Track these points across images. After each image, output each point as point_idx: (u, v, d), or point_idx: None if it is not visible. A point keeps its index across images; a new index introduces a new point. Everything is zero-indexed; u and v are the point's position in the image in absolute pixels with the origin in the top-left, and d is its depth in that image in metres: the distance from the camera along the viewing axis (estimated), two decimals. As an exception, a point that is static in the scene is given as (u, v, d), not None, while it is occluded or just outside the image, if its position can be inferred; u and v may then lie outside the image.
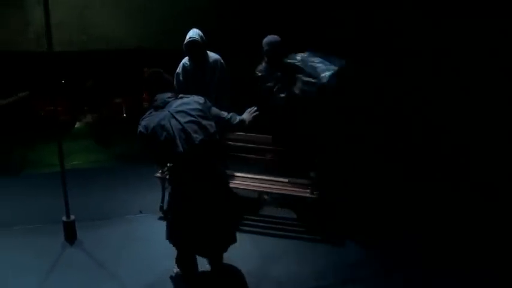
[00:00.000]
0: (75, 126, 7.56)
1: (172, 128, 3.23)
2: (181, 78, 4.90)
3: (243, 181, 4.94)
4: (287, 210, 5.05)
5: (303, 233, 4.69)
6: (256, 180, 4.96)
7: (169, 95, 3.42)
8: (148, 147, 3.37)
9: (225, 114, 3.64)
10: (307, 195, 4.68)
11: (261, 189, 4.85)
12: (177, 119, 3.25)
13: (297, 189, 4.78)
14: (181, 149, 3.20)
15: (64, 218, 4.36)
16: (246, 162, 5.03)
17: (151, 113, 3.36)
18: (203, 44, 4.70)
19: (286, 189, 4.82)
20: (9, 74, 7.25)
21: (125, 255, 4.29)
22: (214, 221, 3.52)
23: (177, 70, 4.97)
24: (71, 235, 4.40)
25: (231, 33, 7.95)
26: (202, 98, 3.47)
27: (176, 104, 3.35)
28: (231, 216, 3.75)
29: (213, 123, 3.37)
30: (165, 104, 3.35)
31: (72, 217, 4.38)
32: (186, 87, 4.70)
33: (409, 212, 5.01)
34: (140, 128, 3.30)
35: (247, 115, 3.85)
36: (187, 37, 4.66)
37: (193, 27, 4.75)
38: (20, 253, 4.24)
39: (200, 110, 3.34)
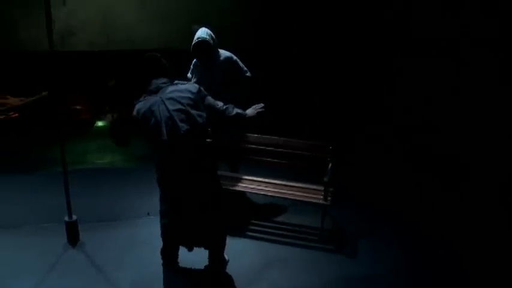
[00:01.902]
0: (96, 125, 7.53)
1: (160, 114, 3.18)
2: (189, 74, 4.82)
3: (253, 185, 4.73)
4: (297, 216, 4.84)
5: (313, 241, 4.47)
6: (266, 184, 4.74)
7: (164, 80, 3.35)
8: (140, 132, 3.34)
9: (220, 104, 3.57)
10: (320, 201, 4.42)
11: (272, 194, 4.62)
12: (166, 106, 3.20)
13: (309, 195, 4.53)
14: (165, 136, 3.17)
15: (66, 218, 4.26)
16: (256, 165, 4.81)
17: (145, 97, 3.31)
18: (213, 43, 4.54)
19: (297, 195, 4.57)
20: (33, 73, 7.31)
21: (126, 259, 4.15)
22: (198, 212, 3.47)
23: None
24: (73, 236, 4.29)
25: (255, 34, 7.87)
26: (197, 87, 3.39)
27: (169, 90, 3.29)
28: (217, 209, 3.61)
29: (203, 114, 3.31)
30: (158, 90, 3.29)
31: (75, 217, 4.28)
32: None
33: (426, 221, 4.79)
34: (134, 112, 3.28)
35: (251, 110, 3.85)
36: (196, 37, 4.51)
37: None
38: (21, 253, 4.16)
39: (191, 99, 3.28)
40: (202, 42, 4.49)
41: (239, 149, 4.80)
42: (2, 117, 6.90)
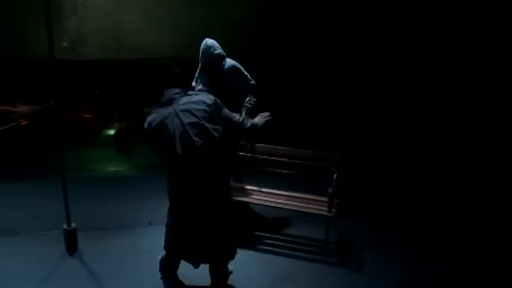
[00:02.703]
0: (103, 134, 7.51)
1: (174, 127, 3.00)
2: (193, 83, 4.74)
3: (256, 195, 4.62)
4: (301, 228, 4.72)
5: (317, 253, 4.35)
6: (270, 195, 4.63)
7: (177, 90, 3.18)
8: (151, 145, 3.17)
9: (236, 117, 3.33)
10: (324, 213, 4.30)
11: (275, 205, 4.51)
12: (180, 119, 3.01)
13: (314, 206, 4.41)
14: (179, 151, 2.98)
15: (65, 226, 4.19)
16: (260, 174, 4.72)
17: (157, 109, 3.14)
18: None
19: (301, 206, 4.45)
20: (43, 81, 7.34)
21: (124, 269, 4.07)
22: (207, 228, 3.29)
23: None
24: (71, 244, 4.23)
25: (260, 43, 7.82)
26: (212, 98, 3.17)
27: (182, 102, 3.10)
28: (227, 227, 3.44)
29: (219, 128, 3.09)
30: (171, 101, 3.12)
31: (74, 225, 4.21)
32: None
33: (432, 233, 4.66)
34: (145, 125, 3.11)
35: (259, 119, 3.60)
36: (211, 50, 4.36)
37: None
38: (18, 260, 4.10)
39: (206, 112, 3.06)
40: (221, 57, 4.38)
41: (243, 158, 4.70)
42: (11, 124, 6.90)
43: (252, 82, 4.74)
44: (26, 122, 6.96)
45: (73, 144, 6.68)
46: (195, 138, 2.98)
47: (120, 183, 5.83)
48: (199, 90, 4.60)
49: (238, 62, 4.71)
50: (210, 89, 4.56)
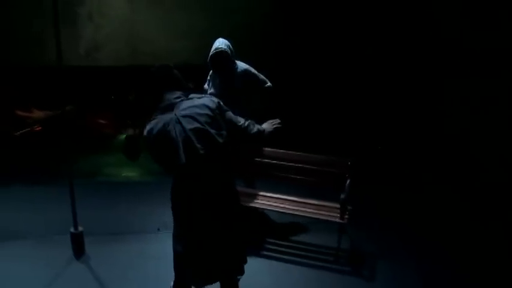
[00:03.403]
0: (117, 139, 7.52)
1: (176, 134, 2.78)
2: (205, 86, 4.72)
3: (266, 201, 4.51)
4: (312, 235, 4.60)
5: (329, 261, 4.21)
6: (281, 201, 4.51)
7: (177, 94, 2.92)
8: (152, 154, 2.93)
9: (241, 121, 3.13)
10: (336, 219, 4.16)
11: (286, 211, 4.39)
12: (182, 125, 2.79)
13: (325, 213, 4.28)
14: (183, 160, 2.76)
15: (72, 230, 4.15)
16: (270, 180, 4.61)
17: (157, 115, 2.89)
18: (230, 54, 4.43)
19: (313, 212, 4.32)
20: (59, 88, 7.38)
21: (131, 275, 3.99)
22: (216, 244, 3.04)
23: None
24: (78, 248, 4.19)
25: (277, 47, 7.78)
26: (215, 101, 2.95)
27: (184, 106, 2.86)
28: (238, 241, 3.20)
29: (224, 132, 2.89)
30: (172, 106, 2.87)
31: (81, 229, 4.17)
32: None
33: (448, 242, 4.50)
34: (145, 132, 2.86)
35: (268, 125, 3.39)
36: (214, 47, 4.41)
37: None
38: (26, 263, 4.09)
39: (209, 116, 2.85)
40: (220, 52, 4.37)
41: (253, 163, 4.60)
42: (26, 129, 6.96)
43: (268, 85, 4.67)
44: (40, 128, 7.00)
45: (87, 149, 6.74)
46: (198, 145, 2.79)
47: (131, 188, 5.78)
48: (210, 93, 4.55)
49: (252, 66, 4.66)
50: (221, 91, 4.52)
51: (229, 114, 3.05)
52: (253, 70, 4.64)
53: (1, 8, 7.13)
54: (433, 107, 6.57)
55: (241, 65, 4.61)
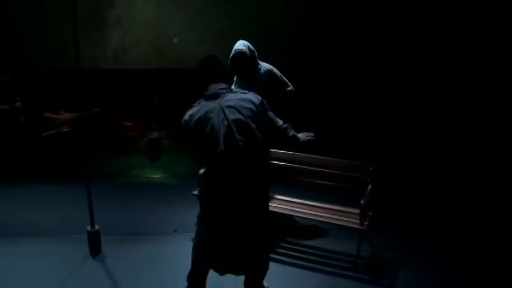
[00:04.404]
0: (143, 142, 7.58)
1: (218, 122, 2.80)
2: (232, 87, 4.68)
3: (284, 205, 4.42)
4: (331, 241, 4.48)
5: (348, 269, 4.07)
6: (298, 205, 4.42)
7: (223, 85, 2.97)
8: (189, 140, 2.94)
9: (280, 122, 3.20)
10: (356, 225, 4.02)
11: (304, 216, 4.28)
12: (225, 114, 2.82)
13: (345, 218, 4.15)
14: (222, 148, 2.79)
15: (88, 228, 4.16)
16: (288, 183, 4.50)
17: (200, 102, 2.93)
18: (251, 56, 4.38)
19: (332, 218, 4.20)
20: (87, 90, 7.51)
21: (147, 276, 3.95)
22: (243, 235, 3.04)
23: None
24: (95, 246, 4.20)
25: (306, 52, 7.70)
26: (260, 98, 2.99)
27: (228, 98, 2.90)
28: (263, 237, 3.19)
29: (264, 129, 2.93)
30: (217, 95, 2.91)
31: (97, 227, 4.18)
32: None
33: (474, 252, 4.30)
34: (185, 117, 2.89)
35: (303, 135, 3.42)
36: (233, 49, 4.38)
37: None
38: (42, 260, 4.12)
39: (252, 111, 2.88)
40: (239, 53, 4.33)
41: (273, 166, 4.52)
42: (53, 131, 7.10)
43: (290, 88, 4.60)
44: (68, 129, 7.13)
45: (111, 151, 6.81)
46: (239, 137, 2.81)
47: (152, 190, 5.79)
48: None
49: (279, 69, 4.60)
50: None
51: (270, 113, 3.12)
52: (276, 71, 4.58)
53: (32, 13, 7.30)
54: (464, 115, 6.35)
55: (265, 65, 4.57)
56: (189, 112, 2.89)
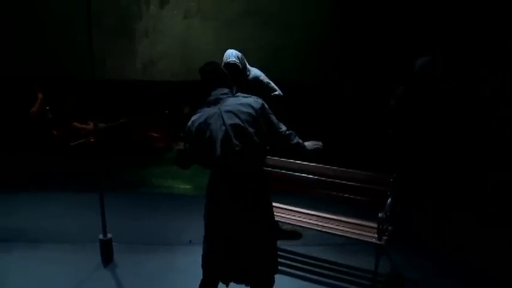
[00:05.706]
0: (171, 153, 7.60)
1: (217, 128, 2.83)
2: None
3: (298, 216, 4.28)
4: (347, 256, 4.30)
5: (365, 286, 3.89)
6: (313, 217, 4.27)
7: (224, 91, 3.00)
8: (192, 146, 2.99)
9: (283, 128, 3.11)
10: (374, 240, 3.83)
11: (320, 229, 4.12)
12: (223, 119, 2.84)
13: (362, 233, 3.96)
14: (218, 152, 2.80)
15: (101, 236, 4.15)
16: (303, 195, 4.36)
17: (202, 108, 2.98)
18: (242, 67, 4.35)
19: (349, 231, 4.02)
20: (116, 100, 7.63)
21: (156, 285, 3.92)
22: (245, 243, 2.99)
23: None
24: (106, 255, 4.18)
25: (333, 65, 7.57)
26: (261, 102, 2.98)
27: (229, 103, 2.92)
28: (268, 243, 3.11)
29: (263, 134, 2.90)
30: (218, 101, 2.94)
31: (109, 236, 4.16)
32: None
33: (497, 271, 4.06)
34: (188, 123, 2.96)
35: (310, 144, 3.31)
36: (224, 59, 4.31)
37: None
38: (55, 267, 4.13)
39: (251, 115, 2.88)
40: (230, 65, 4.24)
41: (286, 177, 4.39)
42: (81, 140, 7.24)
43: (276, 93, 4.53)
44: (94, 139, 7.23)
45: (136, 161, 6.87)
46: (235, 142, 2.81)
47: (172, 200, 5.78)
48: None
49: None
50: None
51: (273, 118, 3.07)
52: (263, 77, 4.55)
53: (65, 26, 7.48)
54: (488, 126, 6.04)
55: (253, 71, 4.54)
56: (192, 118, 2.94)
